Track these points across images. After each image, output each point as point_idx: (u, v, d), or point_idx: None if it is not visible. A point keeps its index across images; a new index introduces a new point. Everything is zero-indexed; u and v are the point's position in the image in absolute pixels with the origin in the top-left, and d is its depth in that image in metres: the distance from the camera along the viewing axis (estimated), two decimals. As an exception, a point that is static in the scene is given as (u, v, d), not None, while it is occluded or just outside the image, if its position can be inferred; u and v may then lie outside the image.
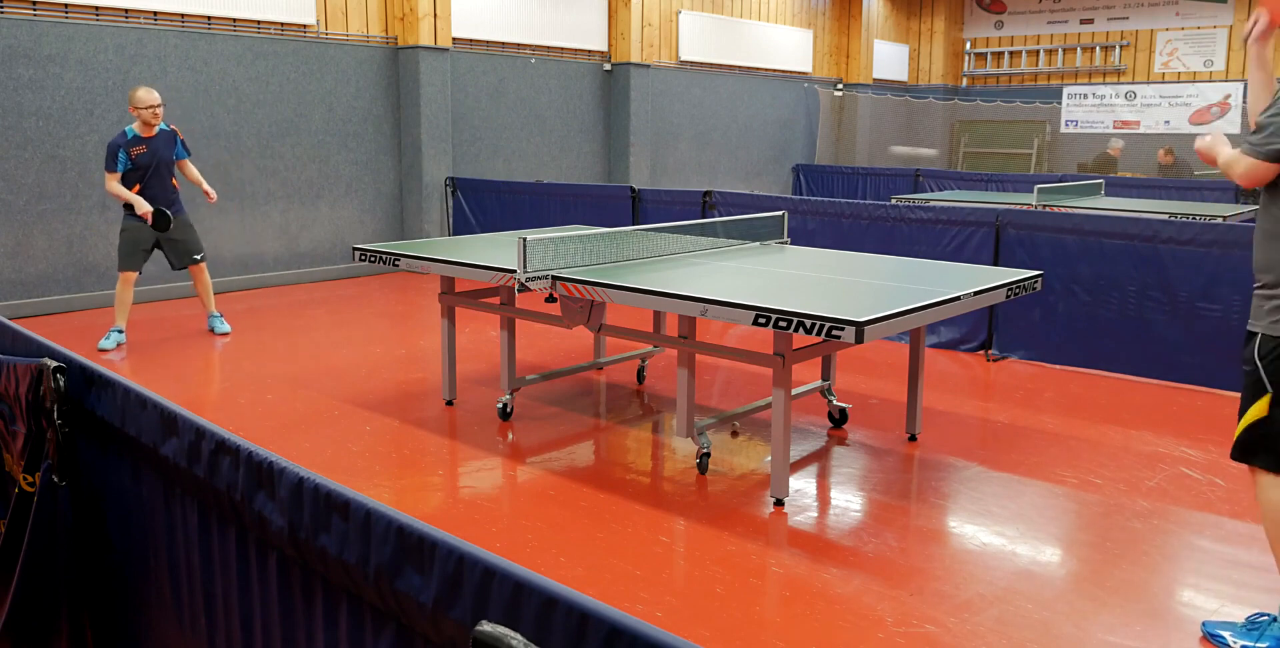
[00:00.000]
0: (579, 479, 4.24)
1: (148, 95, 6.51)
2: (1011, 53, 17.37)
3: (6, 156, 7.43)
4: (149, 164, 6.55)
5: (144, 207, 6.48)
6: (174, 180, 6.76)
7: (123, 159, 6.47)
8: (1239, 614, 3.08)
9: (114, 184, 6.49)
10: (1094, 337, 6.05)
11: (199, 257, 6.85)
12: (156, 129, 6.59)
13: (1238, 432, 2.90)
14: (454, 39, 10.31)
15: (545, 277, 4.22)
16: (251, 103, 8.77)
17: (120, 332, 6.62)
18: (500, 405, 5.07)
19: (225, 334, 6.99)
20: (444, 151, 10.07)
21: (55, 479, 2.08)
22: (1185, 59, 15.71)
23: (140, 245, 6.62)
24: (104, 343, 6.51)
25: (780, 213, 5.46)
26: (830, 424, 5.00)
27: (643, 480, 4.29)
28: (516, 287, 4.23)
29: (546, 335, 6.82)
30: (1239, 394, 2.93)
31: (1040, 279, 4.37)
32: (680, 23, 13.29)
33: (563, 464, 4.44)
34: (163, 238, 6.67)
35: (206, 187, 6.89)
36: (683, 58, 13.37)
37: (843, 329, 3.34)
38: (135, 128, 6.55)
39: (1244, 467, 2.97)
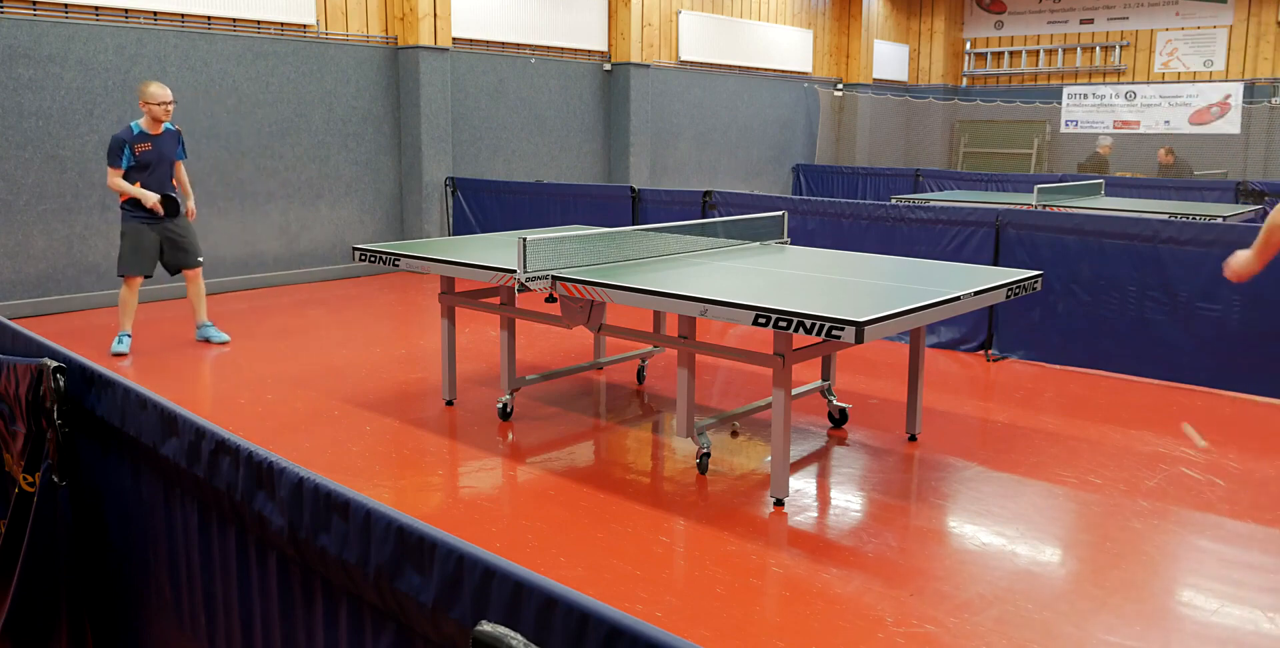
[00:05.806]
0: (579, 479, 4.24)
1: (161, 91, 6.27)
2: (1011, 53, 17.37)
3: (6, 156, 7.43)
4: (153, 162, 6.33)
5: (150, 197, 6.24)
6: (173, 180, 6.55)
7: (127, 155, 6.23)
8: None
9: (117, 179, 6.25)
10: (1094, 337, 6.05)
11: (200, 260, 6.63)
12: (164, 127, 6.39)
13: None
14: (454, 39, 10.31)
15: (545, 277, 4.22)
16: (251, 103, 8.77)
17: (128, 336, 6.45)
18: (500, 405, 5.07)
19: (224, 343, 6.72)
20: (444, 151, 10.06)
21: (55, 479, 2.08)
22: (1185, 59, 15.71)
23: (142, 248, 6.38)
24: (118, 347, 6.36)
25: (780, 213, 5.46)
26: (830, 424, 5.00)
27: (643, 480, 4.29)
28: (516, 287, 4.23)
29: (546, 335, 6.81)
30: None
31: (1040, 279, 4.37)
32: (680, 23, 13.29)
33: (563, 464, 4.44)
34: (166, 238, 6.43)
35: (190, 203, 6.63)
36: (683, 58, 13.37)
37: (843, 329, 3.34)
38: (142, 124, 6.31)
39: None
